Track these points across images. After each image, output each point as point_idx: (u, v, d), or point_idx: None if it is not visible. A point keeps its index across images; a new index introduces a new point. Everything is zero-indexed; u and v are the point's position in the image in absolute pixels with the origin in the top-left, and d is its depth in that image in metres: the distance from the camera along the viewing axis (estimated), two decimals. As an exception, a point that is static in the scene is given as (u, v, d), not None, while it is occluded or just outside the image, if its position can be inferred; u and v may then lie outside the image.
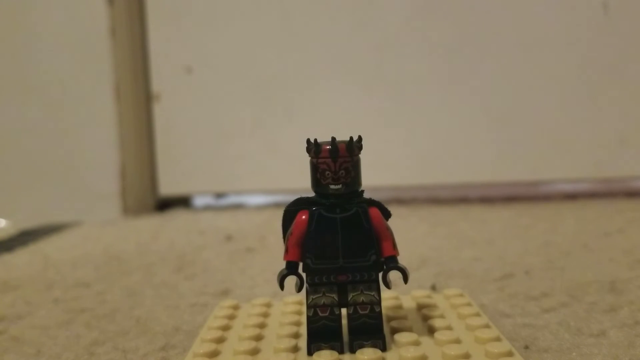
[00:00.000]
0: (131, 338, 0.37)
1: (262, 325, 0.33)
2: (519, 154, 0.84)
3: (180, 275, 0.52)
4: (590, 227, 0.64)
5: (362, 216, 0.29)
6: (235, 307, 0.36)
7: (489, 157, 0.84)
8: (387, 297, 0.35)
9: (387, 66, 0.85)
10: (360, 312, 0.29)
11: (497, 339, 0.29)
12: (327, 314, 0.29)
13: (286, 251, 0.29)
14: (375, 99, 0.86)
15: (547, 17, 0.82)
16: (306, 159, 0.29)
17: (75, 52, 0.84)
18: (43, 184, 0.85)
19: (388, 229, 0.30)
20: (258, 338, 0.31)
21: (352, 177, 0.29)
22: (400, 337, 0.29)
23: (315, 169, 0.29)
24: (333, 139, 0.29)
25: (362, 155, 0.30)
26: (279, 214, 0.30)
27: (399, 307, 0.34)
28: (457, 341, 0.29)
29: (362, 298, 0.29)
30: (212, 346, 0.30)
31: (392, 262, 0.29)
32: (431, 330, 0.31)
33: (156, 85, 0.88)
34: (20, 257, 0.61)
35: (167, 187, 0.90)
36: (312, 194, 0.30)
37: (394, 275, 0.30)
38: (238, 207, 0.90)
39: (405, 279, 0.30)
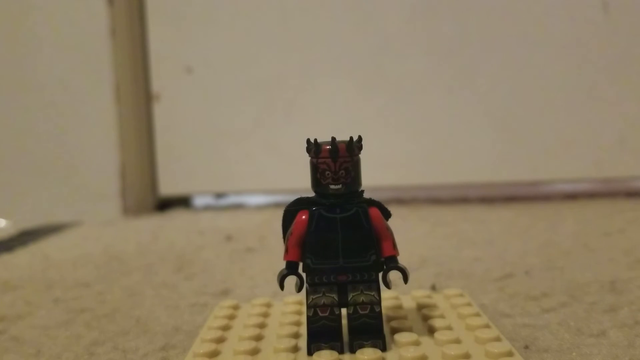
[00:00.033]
0: (131, 338, 0.37)
1: (262, 325, 0.33)
2: (519, 154, 0.84)
3: (180, 275, 0.52)
4: (590, 227, 0.64)
5: (362, 216, 0.29)
6: (235, 307, 0.36)
7: (489, 157, 0.84)
8: (387, 297, 0.35)
9: (387, 66, 0.85)
10: (360, 312, 0.29)
11: (497, 339, 0.29)
12: (327, 314, 0.29)
13: (286, 251, 0.29)
14: (376, 99, 0.86)
15: (547, 17, 0.82)
16: (306, 159, 0.29)
17: (75, 52, 0.84)
18: (43, 184, 0.85)
19: (388, 229, 0.30)
20: (258, 338, 0.31)
21: (352, 177, 0.29)
22: (400, 337, 0.29)
23: (315, 169, 0.29)
24: (333, 139, 0.29)
25: (362, 155, 0.30)
26: (279, 214, 0.30)
27: (399, 307, 0.34)
28: (457, 341, 0.29)
29: (362, 298, 0.29)
30: (212, 346, 0.30)
31: (392, 262, 0.29)
32: (431, 330, 0.31)
33: (156, 85, 0.88)
34: (20, 257, 0.61)
35: (167, 187, 0.90)
36: (312, 194, 0.30)
37: (394, 275, 0.30)
38: (238, 207, 0.90)
39: (405, 279, 0.30)
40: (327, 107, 0.86)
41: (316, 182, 0.29)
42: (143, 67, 0.89)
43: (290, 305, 0.35)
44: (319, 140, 0.29)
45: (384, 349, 0.29)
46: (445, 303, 0.35)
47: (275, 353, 0.29)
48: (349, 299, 0.29)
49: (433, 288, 0.43)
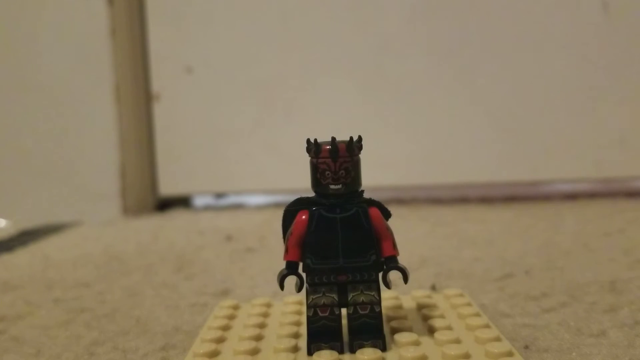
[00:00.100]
0: (131, 338, 0.37)
1: (262, 325, 0.33)
2: (519, 154, 0.84)
3: (180, 275, 0.52)
4: (590, 227, 0.64)
5: (362, 216, 0.29)
6: (235, 307, 0.36)
7: (489, 157, 0.84)
8: (387, 297, 0.35)
9: (387, 66, 0.85)
10: (360, 312, 0.29)
11: (497, 339, 0.29)
12: (327, 314, 0.29)
13: (286, 251, 0.29)
14: (375, 99, 0.86)
15: (547, 17, 0.82)
16: (306, 159, 0.29)
17: (75, 52, 0.84)
18: (43, 184, 0.85)
19: (388, 229, 0.30)
20: (258, 338, 0.31)
21: (352, 177, 0.29)
22: (400, 337, 0.29)
23: (315, 169, 0.29)
24: (333, 139, 0.29)
25: (362, 155, 0.30)
26: (279, 214, 0.30)
27: (399, 307, 0.34)
28: (457, 341, 0.29)
29: (362, 298, 0.29)
30: (212, 346, 0.30)
31: (392, 262, 0.29)
32: (431, 330, 0.31)
33: (156, 85, 0.88)
34: (20, 257, 0.61)
35: (167, 187, 0.90)
36: (312, 194, 0.30)
37: (394, 275, 0.30)
38: (238, 207, 0.90)
39: (405, 279, 0.30)
40: (327, 107, 0.86)
41: (316, 182, 0.29)
42: (143, 67, 0.89)
43: (290, 305, 0.35)
44: (319, 140, 0.29)
45: (384, 349, 0.29)
46: (445, 303, 0.35)
47: (275, 353, 0.29)
48: (349, 299, 0.29)
49: (433, 288, 0.43)
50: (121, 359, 0.34)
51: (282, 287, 0.30)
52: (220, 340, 0.31)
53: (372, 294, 0.29)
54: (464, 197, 0.86)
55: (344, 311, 0.30)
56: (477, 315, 0.33)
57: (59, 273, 0.54)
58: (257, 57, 0.87)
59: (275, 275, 0.30)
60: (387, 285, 0.30)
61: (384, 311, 0.31)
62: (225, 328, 0.33)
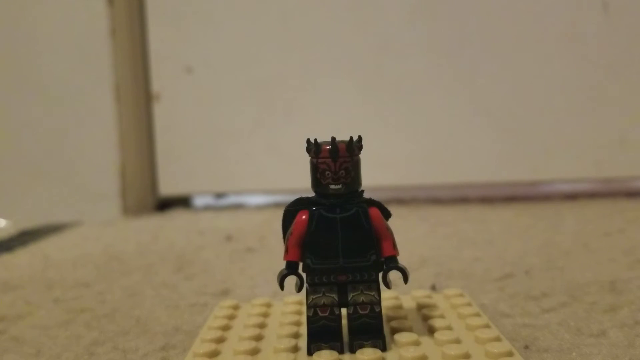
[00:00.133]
0: (131, 338, 0.37)
1: (262, 325, 0.33)
2: (519, 154, 0.84)
3: (180, 275, 0.52)
4: (590, 227, 0.64)
5: (362, 216, 0.29)
6: (235, 307, 0.36)
7: (489, 157, 0.84)
8: (387, 297, 0.35)
9: (387, 66, 0.85)
10: (360, 312, 0.29)
11: (497, 339, 0.29)
12: (327, 314, 0.29)
13: (286, 251, 0.29)
14: (375, 99, 0.86)
15: (547, 16, 0.82)
16: (306, 159, 0.29)
17: (75, 52, 0.84)
18: (43, 184, 0.85)
19: (388, 229, 0.30)
20: (258, 338, 0.31)
21: (352, 177, 0.29)
22: (400, 337, 0.29)
23: (315, 169, 0.29)
24: (333, 139, 0.29)
25: (362, 155, 0.30)
26: (279, 214, 0.30)
27: (399, 307, 0.34)
28: (457, 341, 0.29)
29: (362, 298, 0.29)
30: (212, 346, 0.30)
31: (392, 262, 0.29)
32: (431, 330, 0.31)
33: (156, 85, 0.88)
34: (20, 257, 0.61)
35: (167, 187, 0.90)
36: (312, 194, 0.30)
37: (394, 275, 0.30)
38: (238, 207, 0.90)
39: (405, 279, 0.30)
40: (327, 107, 0.86)
41: (316, 182, 0.29)
42: (143, 67, 0.89)
43: (290, 305, 0.35)
44: (319, 140, 0.29)
45: (384, 349, 0.29)
46: (445, 303, 0.35)
47: (275, 353, 0.29)
48: (349, 299, 0.29)
49: (433, 288, 0.43)
50: (121, 359, 0.34)
51: (282, 287, 0.30)
52: (220, 340, 0.31)
53: (372, 294, 0.29)
54: (464, 197, 0.86)
55: (344, 311, 0.30)
56: (477, 315, 0.33)
57: (59, 273, 0.54)
58: (257, 57, 0.87)
59: (275, 275, 0.30)
60: (387, 285, 0.30)
61: (384, 311, 0.31)
62: (225, 328, 0.33)
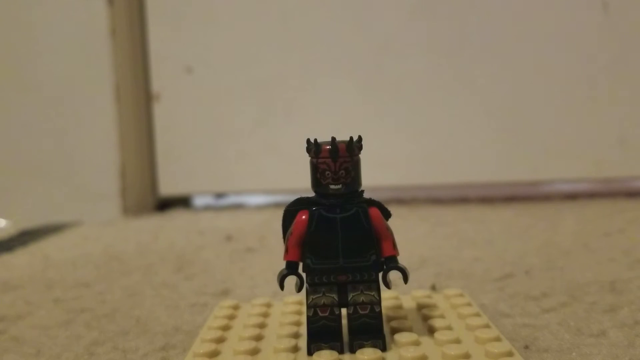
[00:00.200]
0: (131, 338, 0.37)
1: (262, 325, 0.33)
2: (519, 154, 0.84)
3: (180, 275, 0.52)
4: (590, 227, 0.64)
5: (362, 216, 0.29)
6: (235, 307, 0.36)
7: (489, 157, 0.84)
8: (387, 297, 0.35)
9: (387, 66, 0.85)
10: (360, 312, 0.29)
11: (497, 339, 0.29)
12: (327, 314, 0.29)
13: (286, 251, 0.29)
14: (376, 99, 0.86)
15: (547, 16, 0.82)
16: (306, 159, 0.29)
17: (75, 52, 0.84)
18: (43, 184, 0.85)
19: (388, 229, 0.30)
20: (258, 338, 0.31)
21: (352, 177, 0.29)
22: (400, 337, 0.29)
23: (315, 169, 0.29)
24: (333, 139, 0.29)
25: (362, 155, 0.30)
26: (279, 214, 0.30)
27: (399, 307, 0.34)
28: (457, 341, 0.29)
29: (362, 298, 0.29)
30: (212, 346, 0.30)
31: (392, 262, 0.29)
32: (431, 330, 0.31)
33: (156, 85, 0.88)
34: (20, 257, 0.61)
35: (167, 187, 0.90)
36: (312, 194, 0.30)
37: (394, 275, 0.30)
38: (238, 207, 0.90)
39: (405, 279, 0.30)
40: (327, 107, 0.86)
41: (316, 182, 0.29)
42: (143, 67, 0.89)
43: (290, 305, 0.35)
44: (319, 140, 0.29)
45: (384, 349, 0.29)
46: (445, 303, 0.35)
47: (275, 353, 0.29)
48: (349, 299, 0.29)
49: (433, 288, 0.43)
50: (121, 359, 0.34)
51: (282, 287, 0.29)
52: (220, 340, 0.31)
53: (372, 294, 0.29)
54: (464, 197, 0.86)
55: (344, 311, 0.30)
56: (477, 315, 0.33)
57: (59, 273, 0.54)
58: (257, 57, 0.87)
59: (275, 275, 0.30)
60: (387, 285, 0.30)
61: (384, 311, 0.31)
62: (225, 328, 0.33)
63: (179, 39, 0.88)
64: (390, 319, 0.32)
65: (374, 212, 0.29)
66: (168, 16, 0.88)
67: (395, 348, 0.29)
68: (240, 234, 0.68)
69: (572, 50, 0.82)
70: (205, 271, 0.52)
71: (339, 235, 0.29)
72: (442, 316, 0.32)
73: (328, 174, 0.29)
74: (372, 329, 0.29)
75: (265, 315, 0.35)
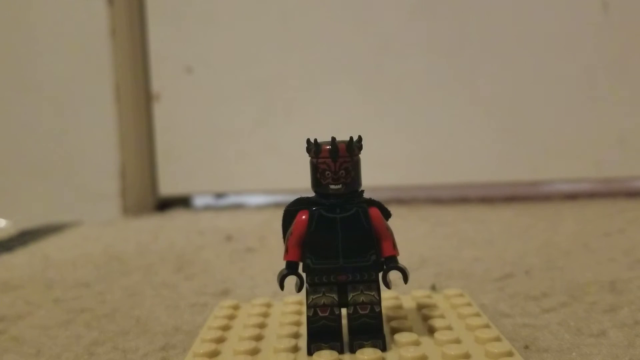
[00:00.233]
0: (131, 338, 0.37)
1: (262, 325, 0.33)
2: (519, 154, 0.84)
3: (180, 275, 0.52)
4: (590, 227, 0.64)
5: (362, 216, 0.29)
6: (235, 307, 0.36)
7: (489, 157, 0.84)
8: (387, 297, 0.35)
9: (387, 66, 0.85)
10: (360, 312, 0.29)
11: (497, 339, 0.29)
12: (327, 314, 0.29)
13: (286, 251, 0.29)
14: (375, 99, 0.86)
15: (547, 16, 0.82)
16: (306, 159, 0.29)
17: (75, 52, 0.84)
18: (43, 184, 0.85)
19: (388, 229, 0.30)
20: (258, 338, 0.31)
21: (352, 177, 0.29)
22: (400, 337, 0.29)
23: (315, 169, 0.29)
24: (333, 139, 0.29)
25: (362, 155, 0.30)
26: (279, 214, 0.30)
27: (399, 307, 0.34)
28: (457, 341, 0.29)
29: (362, 298, 0.29)
30: (212, 346, 0.30)
31: (392, 262, 0.29)
32: (431, 330, 0.31)
33: (156, 85, 0.88)
34: (20, 257, 0.61)
35: (167, 187, 0.90)
36: (312, 194, 0.30)
37: (394, 275, 0.30)
38: (238, 207, 0.90)
39: (405, 279, 0.30)
40: (327, 107, 0.86)
41: (316, 182, 0.29)
42: (143, 67, 0.89)
43: (290, 305, 0.35)
44: (319, 140, 0.29)
45: (384, 349, 0.29)
46: (445, 303, 0.35)
47: (275, 353, 0.29)
48: (349, 299, 0.29)
49: (433, 288, 0.43)
50: (121, 359, 0.34)
51: (282, 287, 0.29)
52: (220, 340, 0.31)
53: (372, 294, 0.29)
54: (464, 197, 0.86)
55: (344, 311, 0.30)
56: (477, 315, 0.33)
57: (59, 273, 0.54)
58: (257, 57, 0.87)
59: (275, 275, 0.30)
60: (387, 285, 0.30)
61: (384, 311, 0.31)
62: (225, 328, 0.33)
63: (179, 39, 0.88)
64: (390, 319, 0.32)
65: (374, 212, 0.29)
66: (168, 16, 0.88)
67: (395, 348, 0.29)
68: (240, 234, 0.68)
69: (572, 50, 0.82)
70: (205, 271, 0.52)
71: (339, 235, 0.29)
72: (442, 316, 0.32)
73: (328, 174, 0.29)
74: (372, 329, 0.29)
75: (265, 315, 0.35)
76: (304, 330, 0.31)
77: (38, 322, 0.41)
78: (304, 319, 0.31)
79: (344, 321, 0.30)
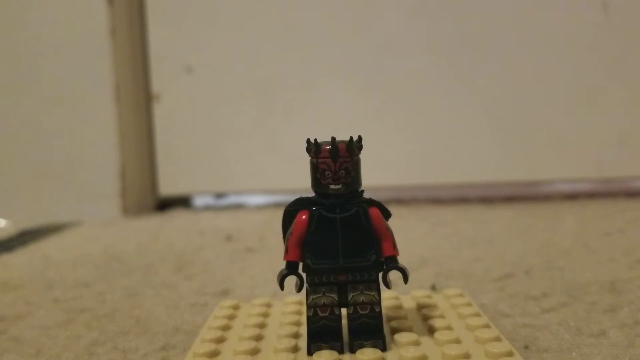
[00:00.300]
0: (131, 338, 0.37)
1: (262, 325, 0.33)
2: (519, 154, 0.84)
3: (180, 275, 0.52)
4: (590, 227, 0.64)
5: (362, 216, 0.29)
6: (235, 307, 0.36)
7: (489, 157, 0.84)
8: (387, 297, 0.35)
9: (387, 66, 0.85)
10: (360, 312, 0.29)
11: (497, 339, 0.29)
12: (327, 314, 0.29)
13: (286, 251, 0.29)
14: (375, 99, 0.86)
15: (547, 16, 0.82)
16: (306, 159, 0.29)
17: (75, 52, 0.84)
18: (43, 184, 0.85)
19: (388, 229, 0.30)
20: (258, 338, 0.31)
21: (352, 177, 0.29)
22: (400, 337, 0.29)
23: (315, 169, 0.29)
24: (333, 139, 0.29)
25: (362, 155, 0.30)
26: (279, 214, 0.30)
27: (399, 307, 0.34)
28: (457, 341, 0.29)
29: (362, 298, 0.29)
30: (212, 346, 0.30)
31: (392, 262, 0.29)
32: (431, 330, 0.31)
33: (156, 85, 0.88)
34: (20, 257, 0.61)
35: (167, 187, 0.90)
36: (312, 194, 0.30)
37: (394, 275, 0.30)
38: (238, 207, 0.90)
39: (405, 279, 0.30)
40: (327, 107, 0.86)
41: (316, 182, 0.29)
42: (143, 67, 0.89)
43: (290, 305, 0.35)
44: (319, 140, 0.29)
45: (384, 349, 0.29)
46: (445, 303, 0.35)
47: (275, 353, 0.29)
48: (349, 299, 0.29)
49: (433, 288, 0.43)
50: (121, 359, 0.34)
51: (282, 287, 0.29)
52: (220, 340, 0.31)
53: (372, 294, 0.29)
54: (464, 197, 0.86)
55: (344, 311, 0.30)
56: (477, 315, 0.33)
57: (59, 273, 0.54)
58: (257, 57, 0.87)
59: (275, 275, 0.30)
60: (387, 285, 0.30)
61: (384, 311, 0.31)
62: (225, 328, 0.33)
63: (179, 39, 0.88)
64: (390, 319, 0.32)
65: (374, 212, 0.29)
66: (168, 16, 0.88)
67: (395, 348, 0.29)
68: (240, 234, 0.68)
69: (572, 50, 0.82)
70: (205, 271, 0.52)
71: (339, 235, 0.29)
72: (442, 316, 0.32)
73: (328, 174, 0.29)
74: (372, 329, 0.29)
75: (265, 315, 0.35)
76: (304, 330, 0.31)
77: (38, 322, 0.41)
78: (304, 319, 0.31)
79: (344, 321, 0.30)
